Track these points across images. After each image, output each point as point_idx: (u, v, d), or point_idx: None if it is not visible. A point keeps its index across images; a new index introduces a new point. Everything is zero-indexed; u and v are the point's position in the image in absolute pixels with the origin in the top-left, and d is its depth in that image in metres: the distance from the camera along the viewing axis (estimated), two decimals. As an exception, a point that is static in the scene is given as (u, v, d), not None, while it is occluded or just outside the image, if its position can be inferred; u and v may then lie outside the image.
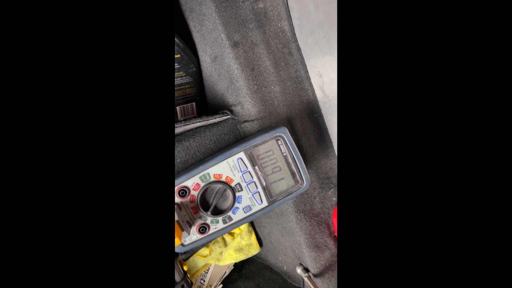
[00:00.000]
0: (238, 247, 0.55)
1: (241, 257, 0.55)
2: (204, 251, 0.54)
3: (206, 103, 0.50)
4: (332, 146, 0.45)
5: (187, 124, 0.40)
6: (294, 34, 0.42)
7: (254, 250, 0.55)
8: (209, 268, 0.57)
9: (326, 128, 0.45)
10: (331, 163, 0.45)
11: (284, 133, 0.37)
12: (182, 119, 0.47)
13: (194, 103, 0.48)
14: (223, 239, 0.55)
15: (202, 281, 0.57)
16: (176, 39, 0.43)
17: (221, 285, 0.56)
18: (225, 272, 0.58)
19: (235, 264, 0.59)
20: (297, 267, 0.46)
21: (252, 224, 0.56)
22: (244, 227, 0.54)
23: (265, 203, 0.37)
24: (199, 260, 0.56)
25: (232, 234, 0.55)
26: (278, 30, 0.41)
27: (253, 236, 0.55)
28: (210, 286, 0.57)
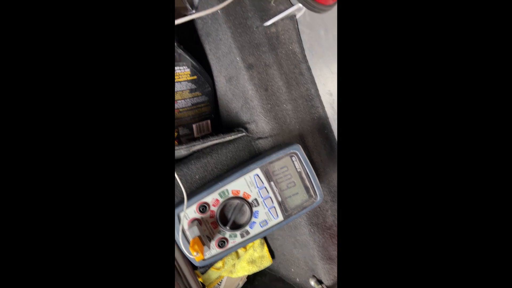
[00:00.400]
0: (251, 259, 0.57)
1: (253, 269, 0.56)
2: (217, 263, 0.55)
3: (220, 120, 0.52)
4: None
5: (205, 142, 0.42)
6: (305, 56, 0.45)
7: (267, 262, 0.56)
8: (222, 280, 0.58)
9: (336, 143, 0.47)
10: (342, 177, 0.47)
11: (298, 150, 0.38)
12: (198, 135, 0.49)
13: (209, 120, 0.50)
14: (236, 251, 0.56)
15: (215, 293, 0.58)
16: (193, 62, 0.45)
17: (235, 297, 0.57)
18: (238, 284, 0.58)
19: (248, 277, 0.60)
20: (310, 279, 0.47)
21: (264, 237, 0.57)
22: (257, 239, 0.55)
23: (280, 218, 0.39)
24: (212, 272, 0.57)
25: (244, 247, 0.56)
26: (289, 52, 0.44)
27: (265, 248, 0.57)
28: (224, 298, 0.58)
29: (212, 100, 0.50)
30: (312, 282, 0.47)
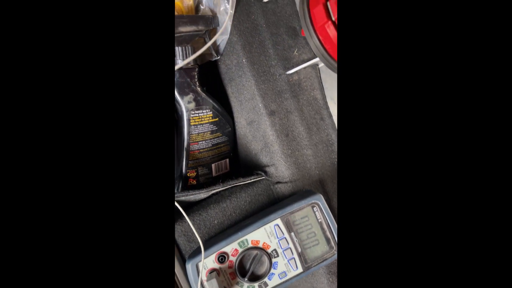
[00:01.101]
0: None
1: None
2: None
3: (239, 159, 0.52)
4: (362, 207, 0.46)
5: (225, 186, 0.42)
6: (326, 102, 0.45)
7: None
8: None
9: None
10: (362, 224, 0.46)
11: (320, 200, 0.38)
12: (217, 174, 0.49)
13: (227, 159, 0.51)
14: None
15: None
16: (215, 104, 0.46)
17: None
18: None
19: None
20: (327, 330, 0.45)
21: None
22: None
23: (300, 269, 0.38)
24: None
25: None
26: (311, 98, 0.44)
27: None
28: None
29: (231, 139, 0.50)
30: (330, 334, 0.44)
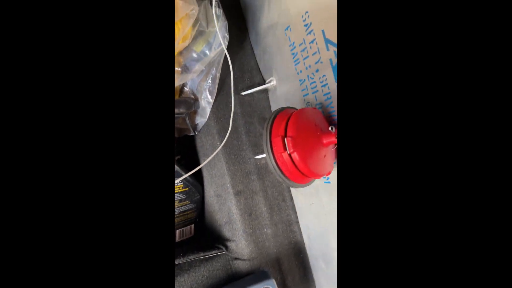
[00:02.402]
0: None
1: None
2: None
3: (205, 224, 0.54)
4: (314, 286, 0.49)
5: (185, 259, 0.43)
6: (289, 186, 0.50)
7: None
8: None
9: (310, 268, 0.49)
10: (312, 303, 0.48)
11: (272, 285, 0.41)
12: (179, 240, 0.51)
13: (192, 225, 0.53)
14: None
15: None
16: (188, 177, 0.49)
17: None
18: None
19: None
20: None
21: None
22: None
23: None
24: None
25: None
26: (275, 180, 0.49)
27: None
28: None
29: (199, 206, 0.53)
30: None
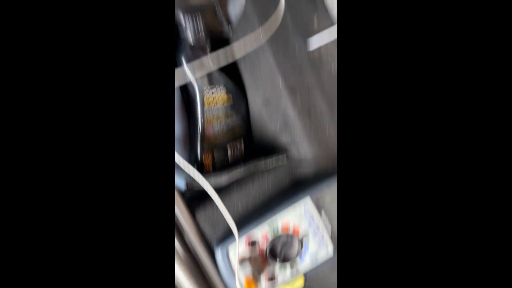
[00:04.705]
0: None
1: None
2: None
3: (253, 142, 0.50)
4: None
5: (247, 170, 0.40)
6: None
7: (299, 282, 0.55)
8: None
9: None
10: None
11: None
12: (232, 160, 0.47)
13: (242, 141, 0.48)
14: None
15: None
16: (229, 82, 0.43)
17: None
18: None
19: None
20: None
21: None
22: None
23: (331, 250, 0.37)
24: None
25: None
26: (332, 72, 0.42)
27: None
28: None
29: (246, 121, 0.48)
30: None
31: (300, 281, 0.55)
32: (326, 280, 0.50)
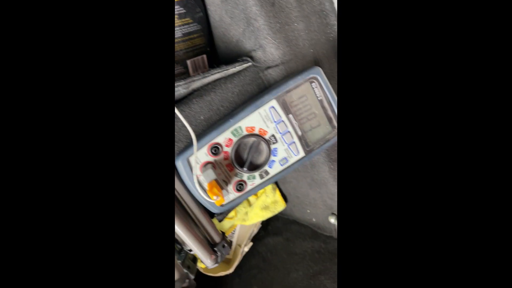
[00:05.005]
0: (264, 205, 0.55)
1: (267, 214, 0.54)
2: (229, 213, 0.53)
3: (217, 55, 0.44)
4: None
5: (206, 76, 0.35)
6: (317, -42, 0.36)
7: (280, 206, 0.55)
8: (235, 229, 0.57)
9: None
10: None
11: (319, 74, 0.33)
12: (194, 74, 0.42)
13: (205, 55, 0.43)
14: (247, 199, 0.54)
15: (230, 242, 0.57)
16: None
17: (251, 243, 0.56)
18: (253, 231, 0.57)
19: (262, 222, 0.59)
20: (329, 217, 0.46)
21: (275, 181, 0.54)
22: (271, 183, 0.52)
23: (302, 153, 0.35)
24: (225, 222, 0.55)
25: (255, 193, 0.53)
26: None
27: (278, 193, 0.54)
28: (239, 245, 0.57)
29: (206, 29, 0.41)
30: (332, 220, 0.45)
31: (281, 205, 0.55)
32: (307, 197, 0.49)
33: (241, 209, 0.54)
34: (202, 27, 0.41)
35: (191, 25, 0.40)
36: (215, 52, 0.44)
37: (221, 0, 0.37)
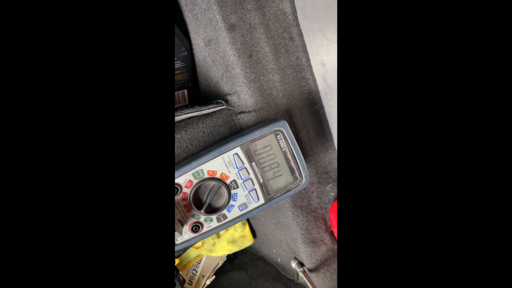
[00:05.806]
0: (232, 238, 0.54)
1: (234, 248, 0.54)
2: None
3: (199, 91, 0.46)
4: (332, 140, 0.43)
5: (179, 115, 0.36)
6: (296, 18, 0.39)
7: (248, 241, 0.54)
8: (201, 259, 0.56)
9: (326, 121, 0.43)
10: (330, 157, 0.43)
11: (283, 127, 0.34)
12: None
13: (185, 91, 0.45)
14: (216, 230, 0.54)
15: (194, 272, 0.56)
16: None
17: (214, 276, 0.56)
18: (218, 263, 0.57)
19: (228, 255, 0.58)
20: (291, 261, 0.46)
21: (246, 216, 0.54)
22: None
23: (262, 201, 0.36)
24: (191, 251, 0.55)
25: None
26: (278, 12, 0.38)
27: (247, 228, 0.54)
28: (203, 276, 0.56)
29: (189, 66, 0.43)
30: (294, 264, 0.45)
31: (249, 240, 0.55)
32: (274, 236, 0.50)
33: (209, 240, 0.54)
34: (185, 64, 0.43)
35: (175, 62, 0.42)
36: (197, 87, 0.46)
37: (205, 43, 0.39)
